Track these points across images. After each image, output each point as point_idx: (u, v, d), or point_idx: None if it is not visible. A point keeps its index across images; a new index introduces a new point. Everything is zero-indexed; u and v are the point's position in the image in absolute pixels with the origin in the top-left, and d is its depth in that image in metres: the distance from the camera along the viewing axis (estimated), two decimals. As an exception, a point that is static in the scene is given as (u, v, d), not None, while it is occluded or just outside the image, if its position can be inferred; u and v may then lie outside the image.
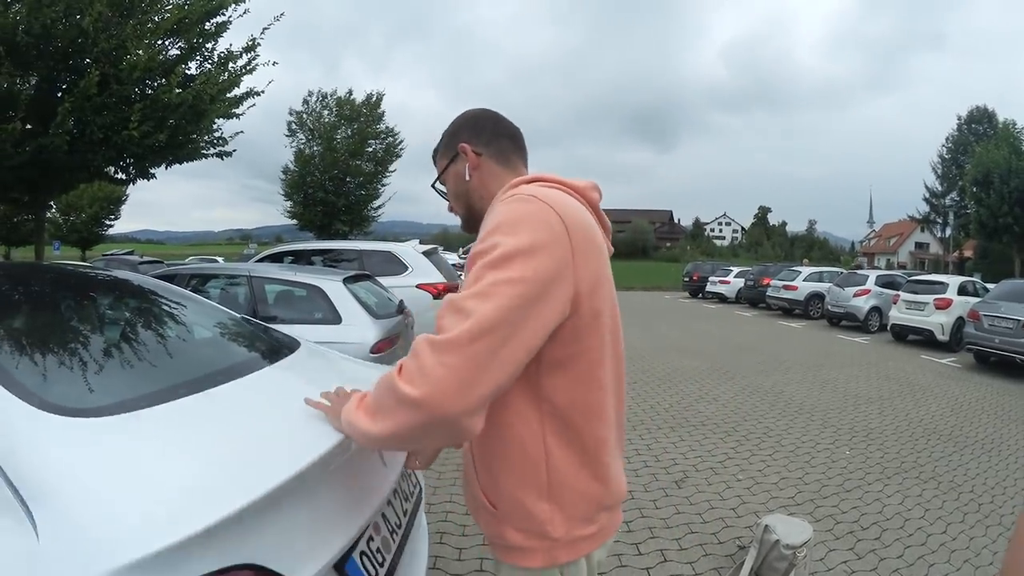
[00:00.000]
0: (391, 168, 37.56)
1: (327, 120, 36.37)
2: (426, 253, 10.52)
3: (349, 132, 36.11)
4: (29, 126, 10.67)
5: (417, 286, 9.70)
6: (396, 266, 10.15)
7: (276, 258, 11.04)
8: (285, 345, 2.96)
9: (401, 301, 7.69)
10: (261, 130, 36.81)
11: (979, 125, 52.83)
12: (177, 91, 11.59)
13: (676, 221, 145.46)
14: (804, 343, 17.12)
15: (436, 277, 10.00)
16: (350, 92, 37.03)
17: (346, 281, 6.71)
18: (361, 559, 1.86)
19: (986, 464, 6.98)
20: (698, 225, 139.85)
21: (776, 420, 8.52)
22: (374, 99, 37.09)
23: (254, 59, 13.66)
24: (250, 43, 13.42)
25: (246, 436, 1.85)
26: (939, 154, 55.42)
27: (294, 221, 36.64)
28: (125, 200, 56.06)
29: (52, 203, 29.10)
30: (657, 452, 6.92)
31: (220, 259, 35.52)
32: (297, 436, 1.81)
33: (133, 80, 10.96)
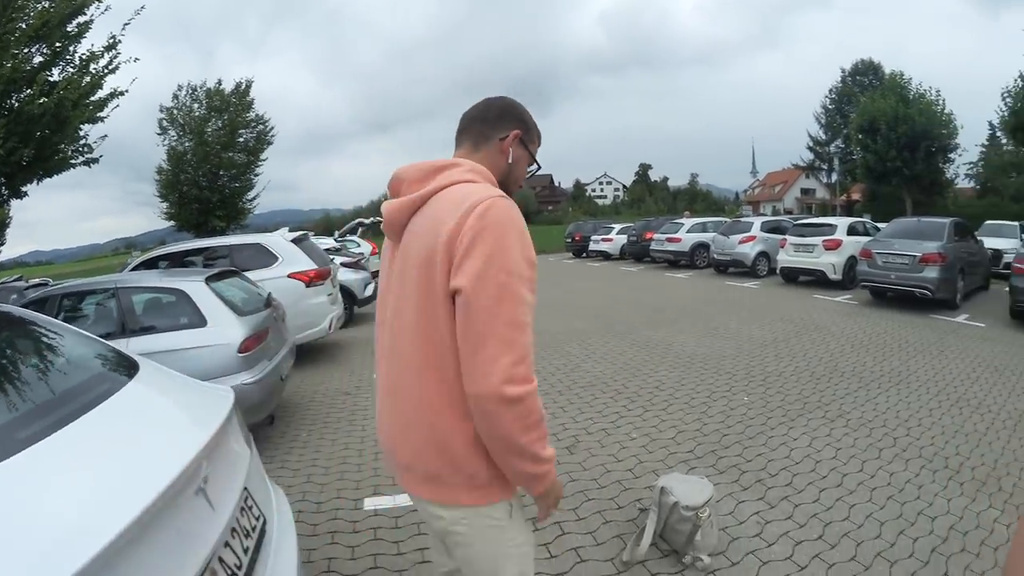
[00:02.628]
0: (263, 156, 37.42)
1: (197, 113, 35.50)
2: (295, 241, 10.72)
3: (220, 124, 35.64)
4: None
5: (288, 275, 10.02)
6: (266, 257, 10.36)
7: (151, 264, 10.90)
8: (116, 377, 2.82)
9: (269, 294, 7.88)
10: (139, 131, 36.58)
11: (864, 77, 56.34)
12: (40, 100, 11.32)
13: (557, 184, 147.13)
14: (692, 292, 17.21)
15: (307, 264, 10.29)
16: (219, 82, 36.37)
17: (209, 280, 6.73)
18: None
19: (895, 398, 6.91)
20: (579, 186, 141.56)
21: (668, 372, 8.29)
22: (243, 87, 36.70)
23: (115, 57, 13.45)
24: (111, 41, 13.27)
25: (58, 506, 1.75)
26: (823, 105, 59.01)
27: (171, 222, 36.09)
28: (8, 224, 53.01)
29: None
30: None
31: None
32: (113, 492, 1.83)
33: None
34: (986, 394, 7.09)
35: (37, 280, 31.01)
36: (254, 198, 37.44)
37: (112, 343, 5.26)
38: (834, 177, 56.08)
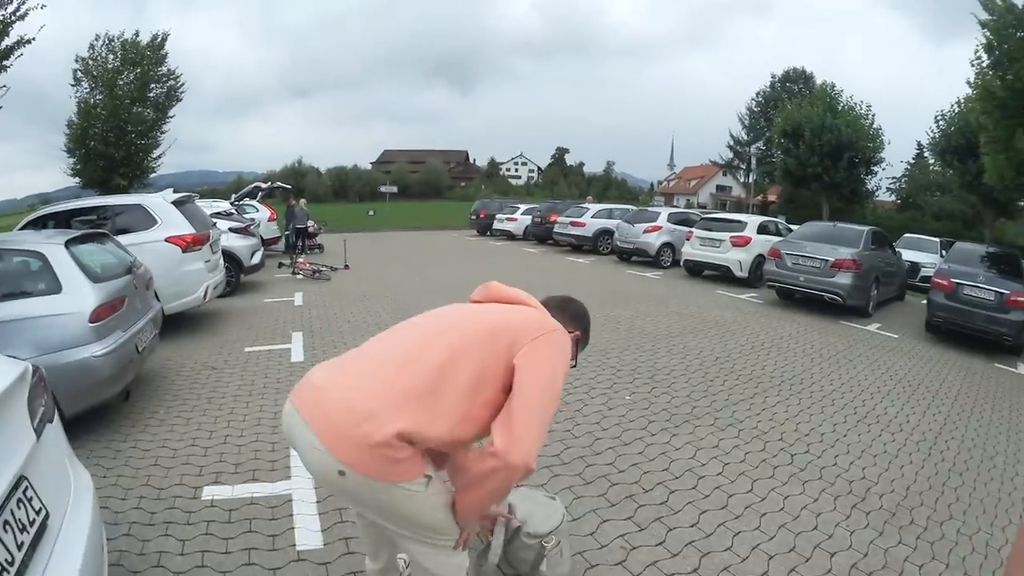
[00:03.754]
0: (171, 114, 36.51)
1: (111, 65, 34.12)
2: (177, 203, 10.39)
3: (132, 77, 34.46)
4: None
5: (166, 239, 9.69)
6: (146, 220, 10.03)
7: (41, 223, 10.53)
8: None
9: (134, 260, 7.44)
10: (59, 82, 35.18)
11: (794, 84, 58.05)
12: None
13: (472, 161, 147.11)
14: (590, 279, 16.69)
15: (185, 228, 9.96)
16: (136, 33, 35.08)
17: (69, 243, 6.34)
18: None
19: (796, 408, 6.36)
20: (493, 164, 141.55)
21: (544, 360, 7.50)
22: (159, 39, 35.55)
23: (23, 3, 13.18)
24: None
25: None
26: (748, 107, 60.87)
27: (76, 179, 34.94)
28: None
29: None
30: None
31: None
32: None
33: None
34: (898, 411, 6.64)
35: None
36: (159, 156, 36.57)
37: None
38: (752, 177, 57.42)
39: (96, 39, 34.28)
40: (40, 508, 2.43)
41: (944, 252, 19.99)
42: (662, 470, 4.65)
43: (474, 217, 36.92)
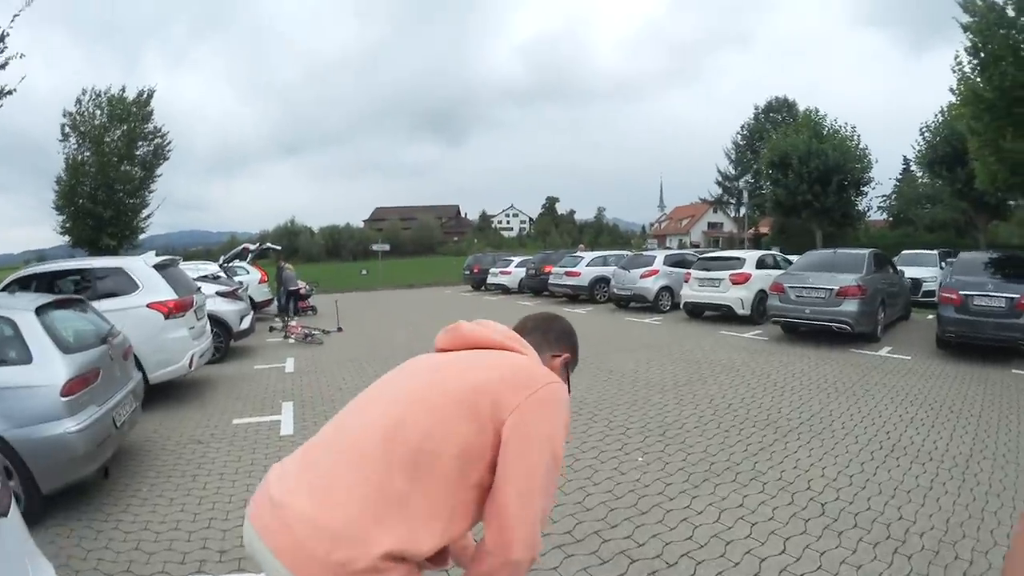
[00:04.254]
0: (158, 172, 36.42)
1: (98, 121, 33.93)
2: (160, 267, 10.23)
3: (119, 134, 34.36)
4: None
5: (148, 305, 9.50)
6: (127, 284, 9.87)
7: (24, 284, 10.31)
8: None
9: (111, 328, 7.24)
10: (55, 136, 34.65)
11: (777, 114, 58.46)
12: None
13: (463, 215, 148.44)
14: (588, 329, 16.27)
15: (167, 294, 9.77)
16: (123, 89, 35.05)
17: (40, 310, 6.13)
18: None
19: (819, 451, 6.05)
20: (485, 218, 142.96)
21: (551, 424, 7.22)
22: (144, 95, 35.50)
23: (2, 51, 13.02)
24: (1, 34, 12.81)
25: None
26: (733, 141, 61.11)
27: (66, 237, 34.56)
28: None
29: None
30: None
31: None
32: None
33: None
34: (924, 438, 6.39)
35: None
36: (148, 216, 36.36)
37: None
38: (743, 211, 57.36)
39: (83, 93, 34.39)
40: None
41: (944, 264, 19.94)
42: (686, 539, 4.35)
43: (468, 272, 37.00)
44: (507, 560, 1.89)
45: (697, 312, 17.64)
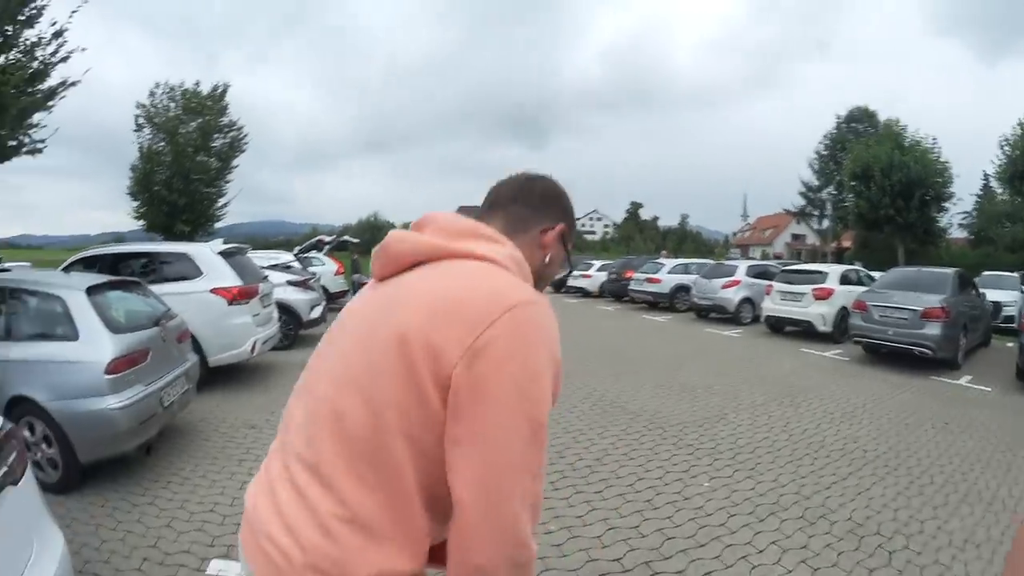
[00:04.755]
0: (234, 164, 37.59)
1: (172, 114, 35.50)
2: (226, 254, 10.30)
3: (194, 126, 35.58)
4: None
5: (211, 291, 9.58)
6: (191, 269, 9.95)
7: (89, 264, 10.62)
8: None
9: (166, 311, 7.32)
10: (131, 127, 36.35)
11: (858, 124, 56.08)
12: None
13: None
14: (666, 339, 16.09)
15: (232, 281, 9.83)
16: (197, 83, 36.39)
17: (92, 290, 6.26)
18: None
19: (893, 490, 5.65)
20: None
21: (618, 439, 7.08)
22: (219, 90, 36.72)
23: (62, 45, 13.25)
24: (58, 30, 13.05)
25: None
26: (816, 151, 58.55)
27: (141, 222, 35.97)
28: None
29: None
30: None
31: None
32: None
33: None
34: (999, 483, 5.94)
35: (5, 264, 31.64)
36: (224, 205, 37.23)
37: None
38: (825, 223, 55.63)
39: (156, 87, 35.62)
40: None
41: (1025, 287, 18.95)
42: (742, 581, 4.09)
43: None
44: (469, 566, 1.34)
45: (778, 327, 17.07)
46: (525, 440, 1.34)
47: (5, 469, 2.78)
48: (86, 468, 5.71)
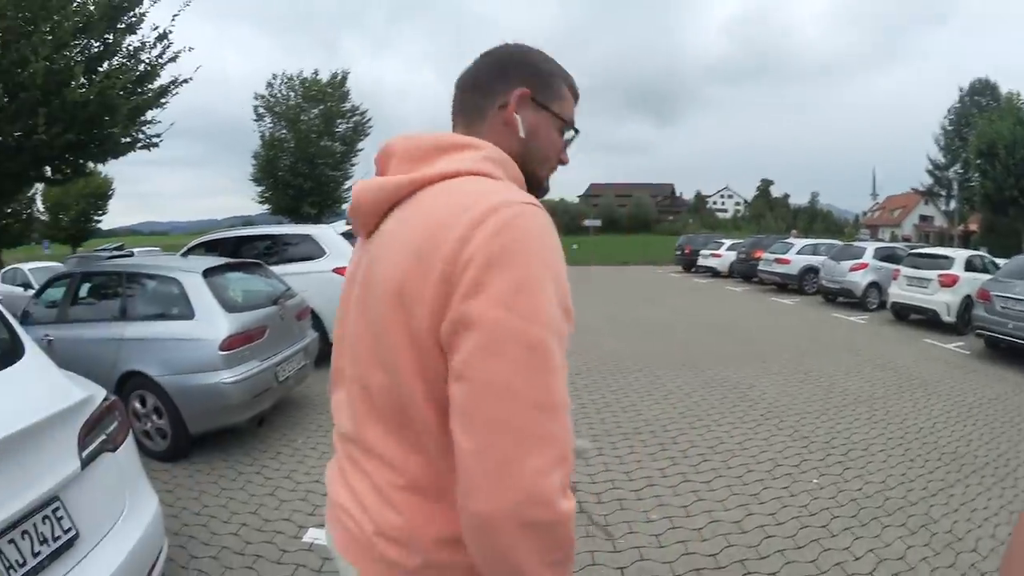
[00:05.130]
0: (359, 147, 38.46)
1: (293, 102, 36.83)
2: (347, 235, 10.34)
3: (316, 113, 36.58)
4: None
5: (333, 270, 9.66)
6: (314, 249, 10.23)
7: (210, 247, 11.07)
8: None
9: (286, 290, 7.59)
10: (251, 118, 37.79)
11: (981, 97, 51.74)
12: (80, 90, 11.64)
13: (678, 195, 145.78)
14: (793, 323, 15.60)
15: None
16: (315, 72, 37.45)
17: (208, 272, 6.48)
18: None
19: (998, 502, 5.25)
20: (700, 198, 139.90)
21: (734, 427, 6.99)
22: (339, 78, 37.56)
23: (168, 47, 13.76)
24: (161, 33, 13.53)
25: None
26: (941, 126, 54.09)
27: (266, 206, 37.48)
28: (111, 195, 60.16)
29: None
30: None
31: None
32: None
33: (36, 87, 11.01)
34: (1116, 504, 5.43)
35: (131, 250, 33.30)
36: (349, 188, 37.12)
37: (112, 327, 6.38)
38: (952, 204, 51.72)
39: (273, 78, 36.80)
40: (70, 528, 2.60)
41: None
42: (836, 591, 3.92)
43: (679, 252, 35.84)
44: (467, 512, 1.12)
45: (903, 314, 16.02)
46: (519, 364, 1.09)
47: (103, 437, 2.98)
48: (195, 438, 5.98)
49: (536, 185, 1.47)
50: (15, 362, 3.08)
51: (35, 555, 2.41)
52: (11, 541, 2.34)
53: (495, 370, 1.09)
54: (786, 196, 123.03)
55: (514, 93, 1.41)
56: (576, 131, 1.52)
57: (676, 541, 4.38)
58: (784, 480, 5.54)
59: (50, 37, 11.40)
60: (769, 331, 14.08)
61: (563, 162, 1.54)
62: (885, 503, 5.13)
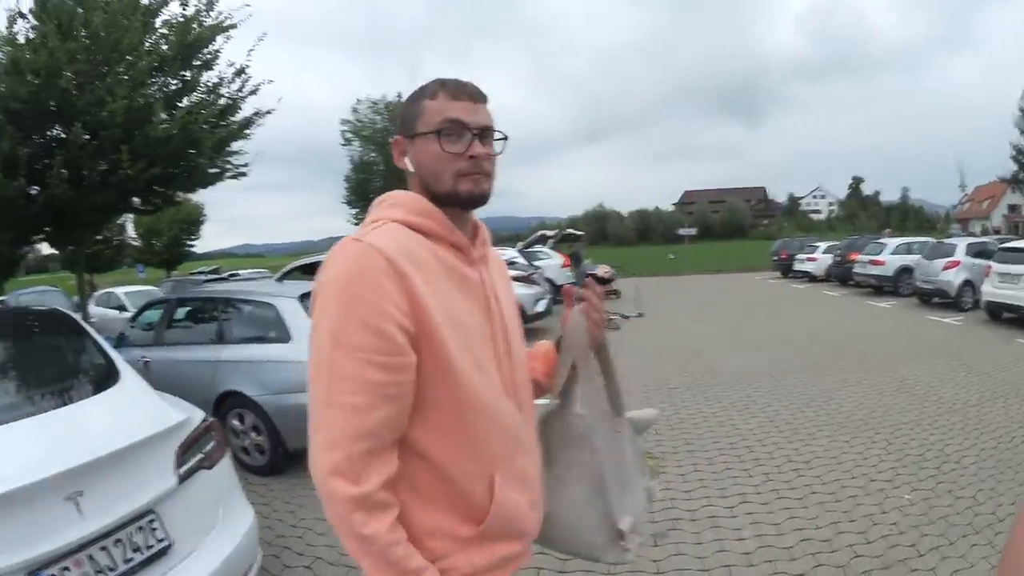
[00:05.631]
0: None
1: (380, 126, 36.58)
2: None
3: None
4: (36, 187, 11.89)
5: None
6: None
7: (308, 270, 10.99)
8: (85, 388, 3.37)
9: None
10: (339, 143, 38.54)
11: None
12: (163, 126, 12.07)
13: (771, 198, 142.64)
14: (888, 328, 15.09)
15: None
16: (399, 96, 37.15)
17: (304, 297, 6.43)
18: (50, 578, 2.33)
19: None
20: (793, 200, 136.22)
21: (830, 440, 6.87)
22: None
23: (247, 81, 14.08)
24: (238, 68, 13.90)
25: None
26: (1020, 107, 48.12)
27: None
28: (203, 221, 60.48)
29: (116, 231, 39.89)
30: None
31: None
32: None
33: (117, 125, 11.40)
34: None
35: (225, 273, 34.21)
36: None
37: (209, 349, 6.66)
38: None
39: (358, 103, 36.86)
40: (163, 539, 2.77)
41: None
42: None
43: (775, 258, 35.07)
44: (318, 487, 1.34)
45: (997, 313, 14.92)
46: (315, 369, 1.33)
47: (200, 456, 3.15)
48: (293, 454, 6.10)
49: (447, 200, 1.51)
50: (111, 386, 3.31)
51: (127, 562, 2.60)
52: (103, 548, 2.53)
53: (309, 372, 1.37)
54: (877, 194, 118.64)
55: (396, 142, 1.59)
56: (452, 121, 1.48)
57: (765, 560, 4.36)
58: (877, 496, 5.42)
59: (126, 77, 11.82)
60: (865, 338, 13.65)
61: (472, 157, 1.49)
62: (974, 519, 4.94)
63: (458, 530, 1.44)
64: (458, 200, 1.50)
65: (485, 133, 1.51)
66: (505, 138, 1.60)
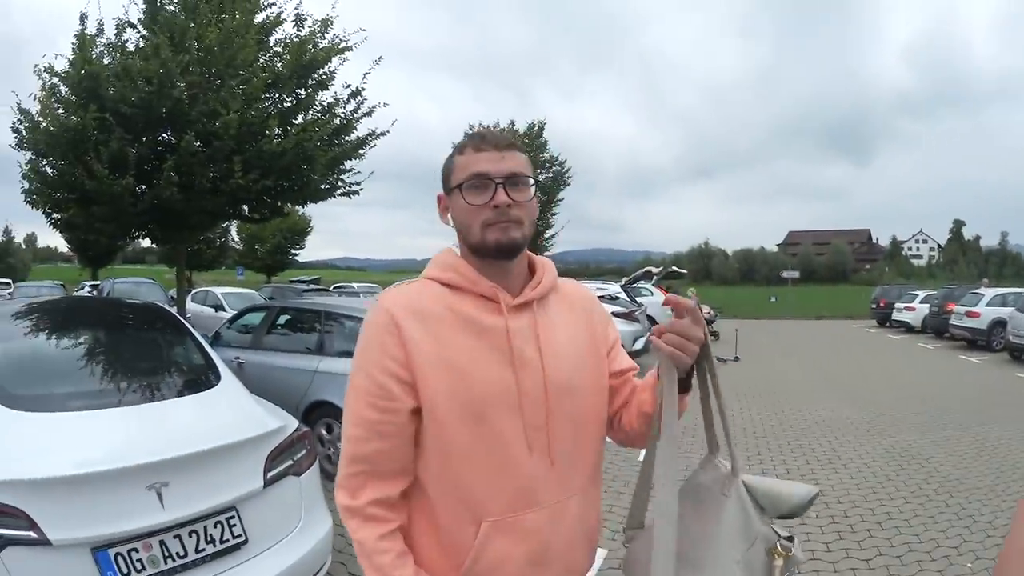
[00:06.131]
0: (559, 197, 36.97)
1: None
2: None
3: None
4: (143, 186, 12.12)
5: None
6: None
7: None
8: (186, 385, 3.56)
9: None
10: None
11: None
12: (276, 141, 12.37)
13: (875, 240, 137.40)
14: (977, 385, 14.42)
15: None
16: (512, 123, 36.38)
17: None
18: (116, 558, 2.42)
19: None
20: (895, 244, 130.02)
21: (905, 501, 6.76)
22: (536, 128, 36.33)
23: (362, 103, 14.28)
24: (354, 90, 14.11)
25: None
26: None
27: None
28: (309, 231, 58.72)
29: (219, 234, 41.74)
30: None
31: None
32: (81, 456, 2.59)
33: (230, 136, 11.79)
34: None
35: (322, 286, 34.17)
36: (551, 236, 36.84)
37: (307, 359, 6.78)
38: None
39: (470, 128, 36.48)
40: (240, 535, 2.84)
41: None
42: None
43: (874, 306, 33.37)
44: None
45: None
46: (350, 409, 1.52)
47: (290, 462, 3.20)
48: None
49: (481, 252, 1.53)
50: (211, 387, 3.40)
51: (198, 551, 2.65)
52: (176, 536, 2.58)
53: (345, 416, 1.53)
54: (977, 238, 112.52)
55: (440, 201, 1.63)
56: (475, 175, 1.49)
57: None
58: (941, 563, 5.32)
59: (239, 91, 12.17)
60: (952, 396, 13.19)
61: (495, 206, 1.48)
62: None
63: (444, 569, 1.49)
64: (488, 250, 1.50)
65: (513, 180, 1.48)
66: (537, 183, 1.62)
